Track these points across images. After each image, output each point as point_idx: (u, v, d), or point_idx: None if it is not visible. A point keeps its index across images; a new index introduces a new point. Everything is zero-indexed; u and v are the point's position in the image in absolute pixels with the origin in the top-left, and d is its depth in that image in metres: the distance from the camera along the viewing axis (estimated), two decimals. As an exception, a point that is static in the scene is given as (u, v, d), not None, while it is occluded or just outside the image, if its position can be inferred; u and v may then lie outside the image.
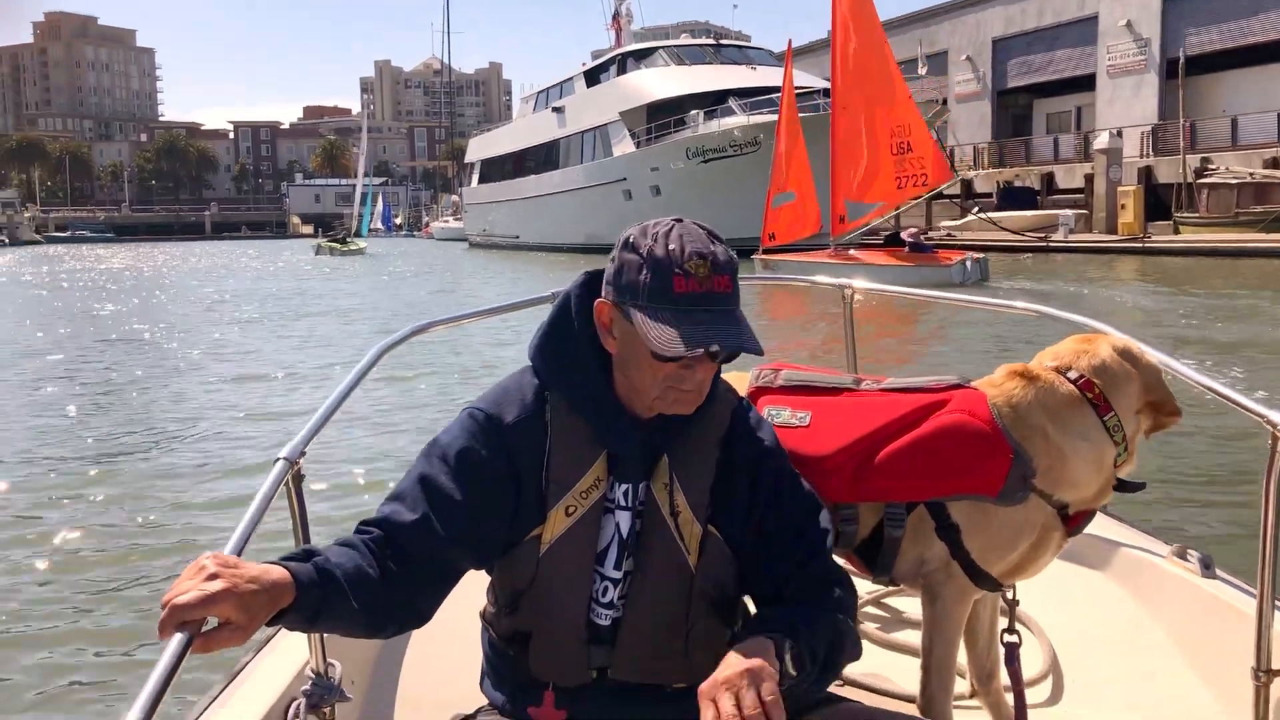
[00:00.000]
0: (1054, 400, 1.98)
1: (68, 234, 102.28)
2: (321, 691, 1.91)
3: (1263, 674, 1.99)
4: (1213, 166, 34.22)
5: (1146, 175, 36.50)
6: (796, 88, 29.05)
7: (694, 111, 38.09)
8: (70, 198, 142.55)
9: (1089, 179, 37.60)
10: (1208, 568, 2.64)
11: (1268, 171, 32.57)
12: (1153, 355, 2.12)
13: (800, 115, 25.61)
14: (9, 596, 5.21)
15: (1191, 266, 25.82)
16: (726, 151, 36.09)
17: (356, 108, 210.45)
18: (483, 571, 1.71)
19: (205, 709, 1.99)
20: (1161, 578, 2.75)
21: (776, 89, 37.75)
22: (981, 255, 24.13)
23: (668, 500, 1.66)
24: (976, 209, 38.37)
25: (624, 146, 41.52)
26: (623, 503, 1.67)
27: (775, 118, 35.78)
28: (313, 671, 1.94)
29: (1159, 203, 34.75)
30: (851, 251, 24.28)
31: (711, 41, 43.82)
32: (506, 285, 28.96)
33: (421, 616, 1.61)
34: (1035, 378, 2.01)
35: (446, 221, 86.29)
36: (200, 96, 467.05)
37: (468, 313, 3.35)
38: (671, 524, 1.65)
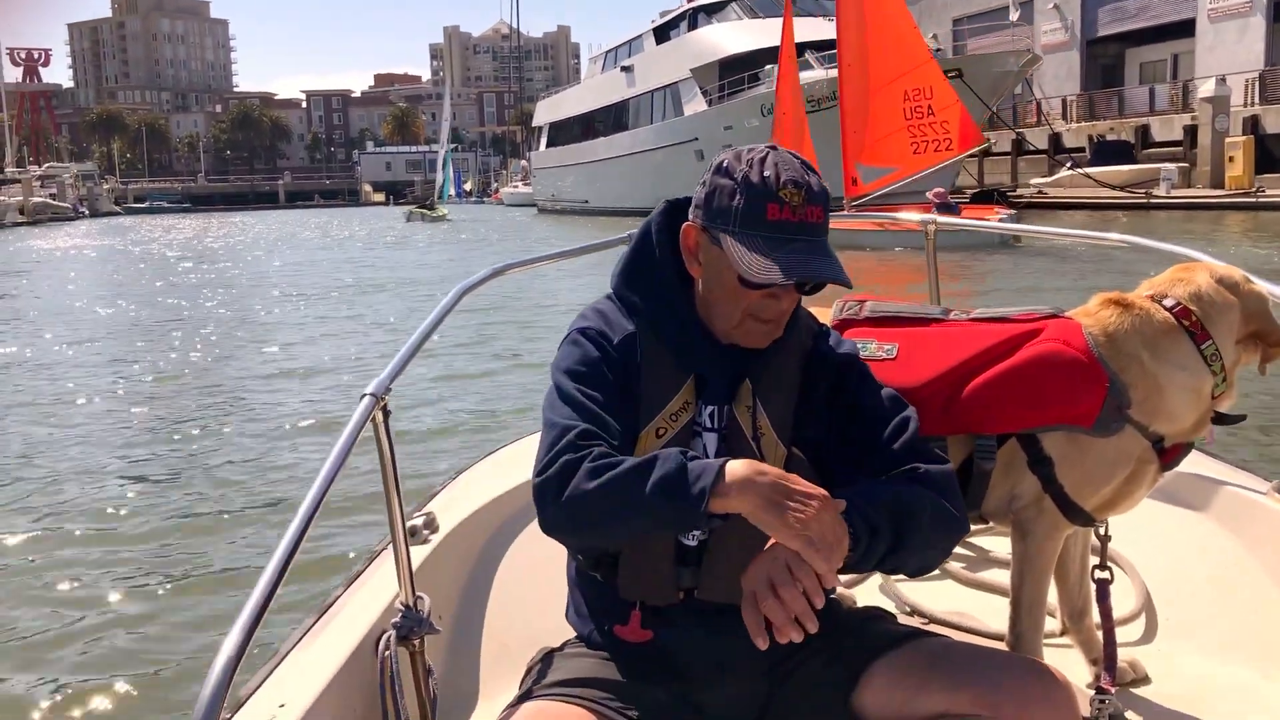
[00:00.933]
0: (1149, 328, 1.95)
1: (145, 205, 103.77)
2: (411, 624, 1.93)
3: None
4: (1329, 114, 31.94)
5: (1254, 125, 34.24)
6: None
7: (768, 66, 36.46)
8: (149, 169, 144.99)
9: (1189, 131, 35.46)
10: None
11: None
12: (1259, 284, 2.06)
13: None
14: (113, 537, 5.45)
15: (1309, 221, 24.07)
16: (804, 108, 34.60)
17: (426, 75, 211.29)
18: None
19: (299, 640, 2.02)
20: (1261, 515, 2.64)
21: (855, 41, 36.31)
22: (1012, 211, 22.43)
23: (750, 422, 1.69)
24: (1070, 164, 36.45)
25: (696, 105, 40.11)
26: (710, 425, 1.70)
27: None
28: (402, 604, 1.95)
29: (1267, 155, 32.58)
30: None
31: (786, -7, 42.01)
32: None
33: None
34: (1130, 305, 1.98)
35: (516, 187, 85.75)
36: (273, 67, 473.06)
37: (545, 255, 3.42)
38: (754, 446, 1.68)
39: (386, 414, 1.90)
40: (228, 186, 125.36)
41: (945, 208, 22.48)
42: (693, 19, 42.45)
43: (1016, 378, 1.91)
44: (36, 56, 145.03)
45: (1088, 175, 33.16)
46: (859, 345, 1.91)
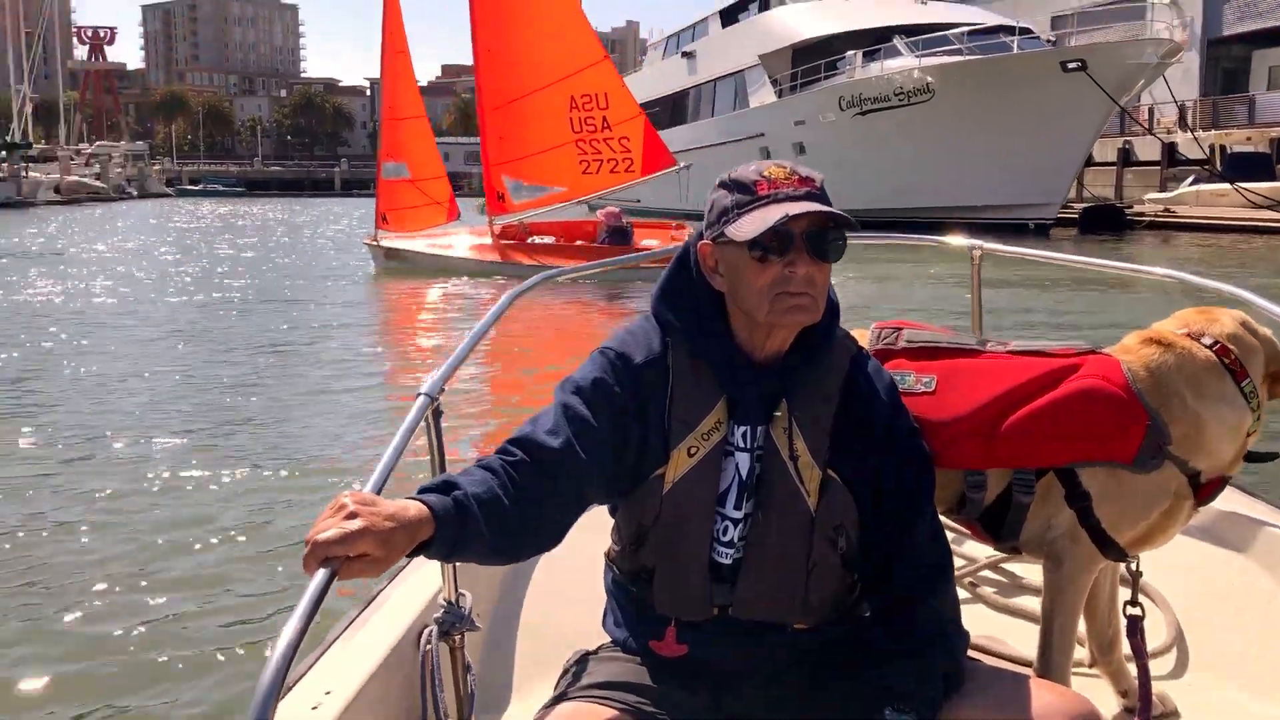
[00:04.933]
0: (1192, 366, 1.98)
1: (199, 187, 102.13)
2: (453, 620, 1.97)
3: None
4: None
5: None
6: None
7: (850, 53, 31.79)
8: (209, 151, 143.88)
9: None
10: None
11: None
12: (1264, 328, 2.13)
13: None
14: (163, 535, 5.36)
15: None
16: (890, 101, 29.83)
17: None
18: (606, 514, 1.82)
19: (342, 632, 2.10)
20: None
21: (951, 26, 31.31)
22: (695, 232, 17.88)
23: (786, 444, 1.71)
24: (1192, 179, 31.51)
25: (763, 96, 35.45)
26: (742, 445, 1.73)
27: (952, 60, 29.90)
28: (445, 600, 1.99)
29: None
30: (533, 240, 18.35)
31: (871, -28, 36.92)
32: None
33: (551, 541, 1.65)
34: (1171, 344, 2.01)
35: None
36: (341, 54, 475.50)
37: (594, 264, 3.97)
38: (791, 467, 1.71)
39: (438, 414, 1.98)
40: (284, 172, 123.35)
41: (617, 231, 17.44)
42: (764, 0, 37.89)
43: (1057, 413, 1.93)
44: (103, 35, 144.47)
45: (1247, 191, 28.03)
46: (897, 377, 1.94)
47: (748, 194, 1.66)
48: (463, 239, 19.19)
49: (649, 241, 17.06)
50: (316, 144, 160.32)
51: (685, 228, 16.87)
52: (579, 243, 17.76)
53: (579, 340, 11.49)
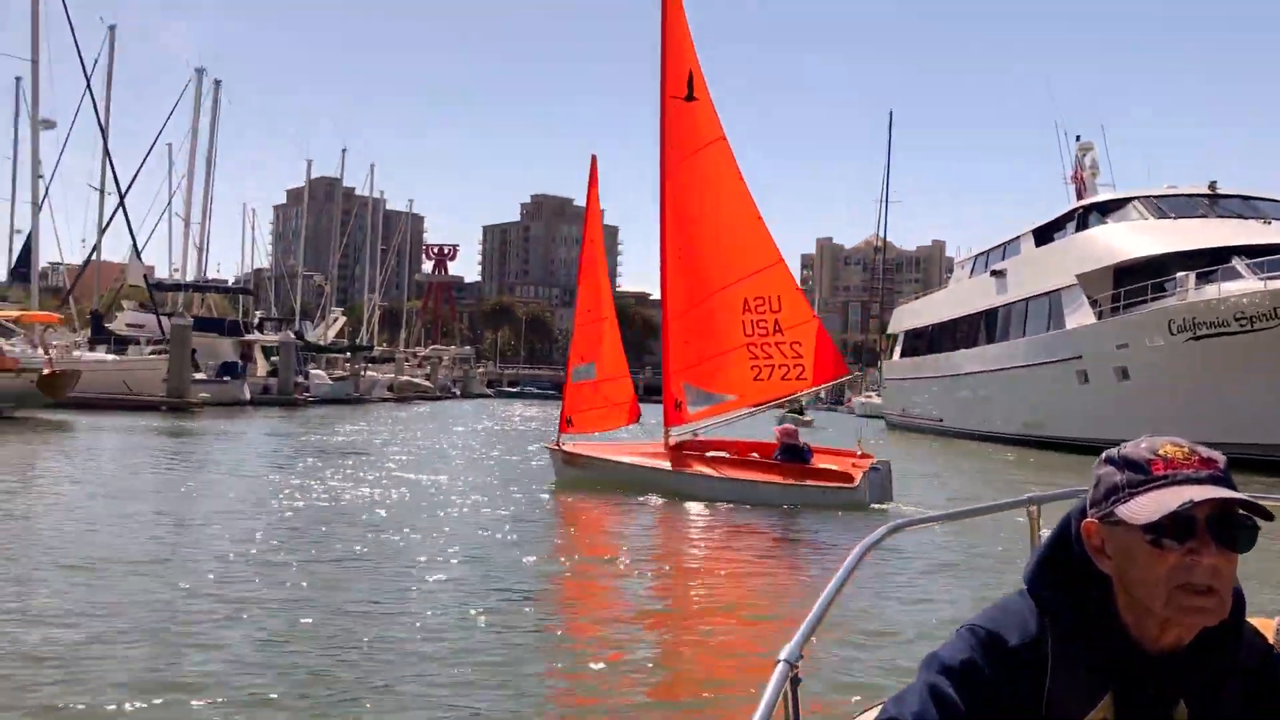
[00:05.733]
0: None
1: (517, 389, 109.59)
2: None
3: None
4: None
5: None
6: None
7: (1181, 273, 29.35)
8: (530, 357, 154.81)
9: None
10: None
11: None
12: None
13: None
14: None
15: None
16: (1230, 326, 26.98)
17: (796, 282, 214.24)
18: None
19: None
20: None
21: (1302, 247, 28.42)
22: (883, 462, 15.75)
23: None
24: None
25: (1081, 317, 33.27)
26: None
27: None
28: None
29: None
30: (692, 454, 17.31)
31: (1205, 190, 34.38)
32: (953, 482, 22.75)
33: None
34: None
35: (869, 397, 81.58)
36: (655, 270, 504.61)
37: (941, 514, 3.68)
38: None
39: (796, 682, 1.90)
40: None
41: (792, 449, 16.49)
42: (1082, 218, 35.99)
43: None
44: (447, 251, 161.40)
45: None
46: None
47: (1141, 473, 1.56)
48: (641, 448, 18.98)
49: (827, 465, 16.32)
50: (627, 352, 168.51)
51: (871, 457, 16.08)
52: (754, 456, 17.18)
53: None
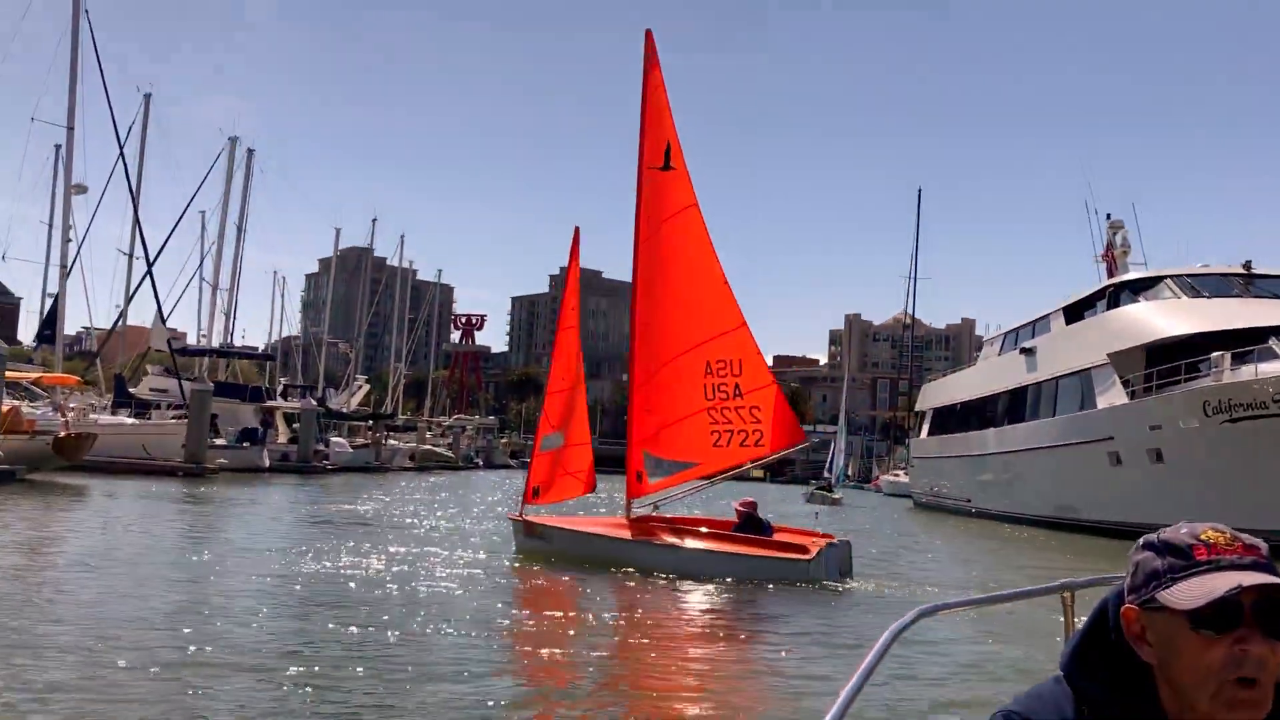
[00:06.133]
0: None
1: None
2: None
3: None
4: None
5: None
6: None
7: (1216, 354, 28.56)
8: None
9: None
10: None
11: None
12: None
13: None
14: None
15: None
16: (1269, 408, 26.11)
17: (823, 358, 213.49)
18: None
19: None
20: None
21: (1341, 328, 27.63)
22: (841, 540, 15.91)
23: None
24: None
25: (1112, 396, 32.44)
26: None
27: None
28: None
29: None
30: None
31: (1240, 270, 33.65)
32: (978, 567, 22.09)
33: None
34: None
35: (896, 475, 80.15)
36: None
37: (973, 599, 3.57)
38: None
39: None
40: (617, 448, 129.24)
41: (752, 522, 16.44)
42: (1114, 297, 35.34)
43: None
44: (474, 321, 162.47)
45: None
46: None
47: (1184, 558, 1.55)
48: (602, 522, 18.68)
49: (785, 539, 16.29)
50: (615, 418, 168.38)
51: (832, 538, 15.88)
52: (706, 529, 16.94)
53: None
